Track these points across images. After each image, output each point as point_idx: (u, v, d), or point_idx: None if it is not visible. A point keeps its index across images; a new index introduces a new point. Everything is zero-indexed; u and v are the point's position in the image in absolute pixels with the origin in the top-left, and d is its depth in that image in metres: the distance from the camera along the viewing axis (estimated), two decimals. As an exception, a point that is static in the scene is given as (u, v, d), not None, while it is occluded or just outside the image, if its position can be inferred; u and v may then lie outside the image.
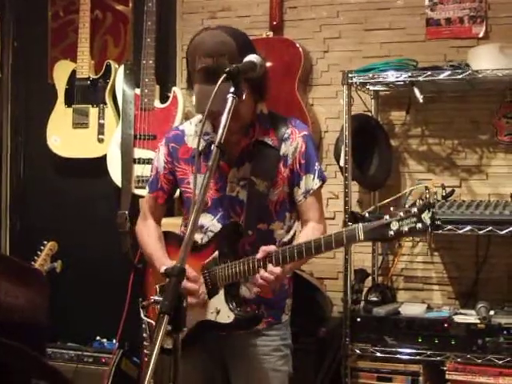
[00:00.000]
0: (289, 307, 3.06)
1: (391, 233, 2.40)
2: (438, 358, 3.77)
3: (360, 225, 2.48)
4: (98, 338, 4.89)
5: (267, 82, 2.85)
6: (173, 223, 3.38)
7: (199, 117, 3.04)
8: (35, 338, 1.61)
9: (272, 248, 2.70)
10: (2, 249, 5.33)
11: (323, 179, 2.95)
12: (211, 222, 2.92)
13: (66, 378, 1.79)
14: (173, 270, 2.02)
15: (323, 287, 4.44)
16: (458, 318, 3.84)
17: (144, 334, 3.13)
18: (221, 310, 2.79)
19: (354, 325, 3.92)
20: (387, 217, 2.41)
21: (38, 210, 5.25)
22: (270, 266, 2.67)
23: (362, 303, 4.09)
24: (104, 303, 4.78)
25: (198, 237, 2.94)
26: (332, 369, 4.08)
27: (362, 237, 2.48)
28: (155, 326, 1.95)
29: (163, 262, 2.90)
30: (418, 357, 3.81)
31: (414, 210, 2.37)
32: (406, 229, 2.38)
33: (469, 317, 3.83)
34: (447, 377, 3.76)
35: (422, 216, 2.34)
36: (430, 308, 4.18)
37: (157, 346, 1.89)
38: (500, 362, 3.65)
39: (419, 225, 2.35)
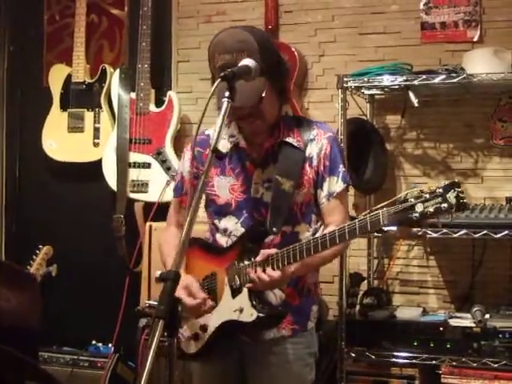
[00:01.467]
0: (315, 314, 3.00)
1: (416, 215, 2.33)
2: (434, 362, 3.77)
3: (384, 209, 2.42)
4: (93, 342, 4.88)
5: (290, 83, 2.84)
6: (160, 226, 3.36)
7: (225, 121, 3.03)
8: (27, 342, 1.61)
9: (273, 251, 2.70)
10: (-3, 253, 5.33)
11: (347, 182, 2.91)
12: (235, 226, 2.90)
13: (59, 381, 1.79)
14: (168, 275, 2.02)
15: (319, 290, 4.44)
16: (453, 322, 3.85)
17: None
18: (244, 309, 2.75)
19: (349, 328, 3.92)
20: (412, 199, 2.35)
21: (33, 214, 5.24)
22: (268, 270, 2.67)
23: (358, 307, 4.10)
24: (100, 307, 4.78)
25: (222, 240, 2.94)
26: (328, 372, 4.08)
27: (385, 221, 2.41)
28: (150, 331, 1.94)
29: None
30: (413, 360, 3.81)
31: (440, 190, 2.30)
32: (431, 210, 2.30)
33: (464, 320, 3.83)
34: (443, 380, 3.75)
35: (447, 196, 2.27)
36: (425, 312, 4.19)
37: (151, 351, 1.89)
38: (495, 366, 3.66)
39: (444, 204, 2.28)
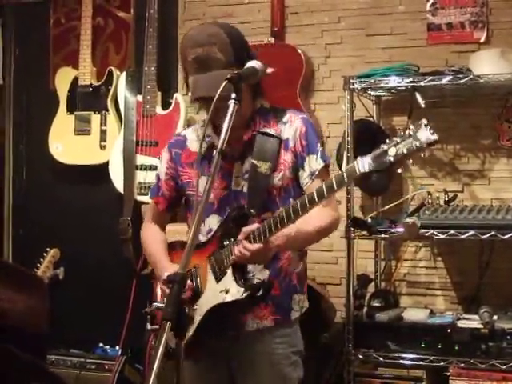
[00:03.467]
0: (298, 303, 2.97)
1: (390, 158, 2.33)
2: (442, 364, 3.76)
3: (358, 158, 2.41)
4: (100, 344, 4.89)
5: (262, 83, 2.86)
6: (174, 230, 3.37)
7: (200, 122, 3.04)
8: (35, 344, 1.61)
9: (254, 226, 2.69)
10: (5, 256, 5.34)
11: (325, 160, 2.91)
12: (217, 225, 2.91)
13: (65, 383, 1.79)
14: (175, 277, 2.02)
15: (326, 293, 4.44)
16: (461, 323, 3.84)
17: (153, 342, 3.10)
18: (230, 289, 2.76)
19: (356, 330, 3.92)
20: (384, 146, 2.35)
21: (40, 217, 5.25)
22: (244, 242, 2.66)
23: (365, 309, 4.09)
24: (107, 310, 4.78)
25: (204, 239, 2.93)
26: (335, 374, 4.08)
27: (361, 168, 2.39)
28: (157, 334, 1.95)
29: (164, 265, 2.93)
30: (421, 362, 3.80)
31: (409, 131, 2.30)
32: (404, 150, 2.31)
33: (472, 322, 3.82)
34: (451, 382, 3.74)
35: (417, 135, 2.29)
36: (433, 313, 4.17)
37: (159, 353, 1.89)
38: (503, 367, 3.64)
39: (416, 143, 2.29)
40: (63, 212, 5.17)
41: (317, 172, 2.88)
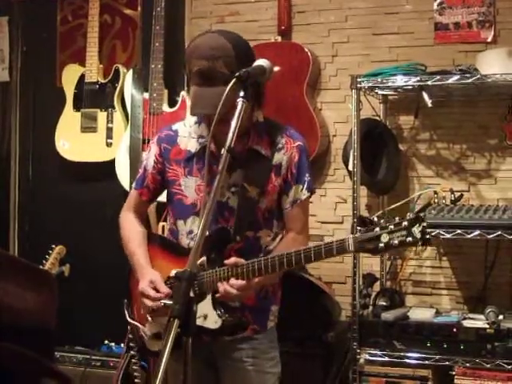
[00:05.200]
0: (274, 313, 3.06)
1: (381, 245, 2.41)
2: (447, 363, 3.76)
3: (350, 236, 2.50)
4: (106, 341, 4.89)
5: (265, 88, 2.85)
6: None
7: (194, 118, 3.03)
8: (43, 342, 1.61)
9: (240, 261, 2.72)
10: (11, 253, 5.33)
11: (311, 191, 2.98)
12: (197, 228, 2.91)
13: (73, 381, 1.78)
14: (183, 274, 2.02)
15: (331, 292, 4.43)
16: (466, 323, 3.84)
17: (130, 336, 3.11)
18: (208, 315, 2.78)
19: (362, 329, 3.92)
20: (378, 229, 2.42)
21: (46, 214, 5.26)
22: (233, 281, 2.70)
23: (371, 308, 4.09)
24: (112, 307, 4.76)
25: (185, 242, 2.96)
26: (340, 373, 4.07)
27: (351, 248, 2.50)
28: (165, 331, 1.95)
29: (143, 268, 2.95)
30: (426, 361, 3.80)
31: (405, 223, 2.37)
32: (395, 242, 2.38)
33: (478, 321, 3.82)
34: (456, 382, 3.74)
35: (413, 230, 2.35)
36: (438, 313, 4.18)
37: (167, 351, 1.89)
38: (509, 367, 3.64)
39: (409, 238, 2.36)
40: (69, 209, 5.18)
41: (298, 201, 2.95)
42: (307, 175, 2.95)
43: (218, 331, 2.80)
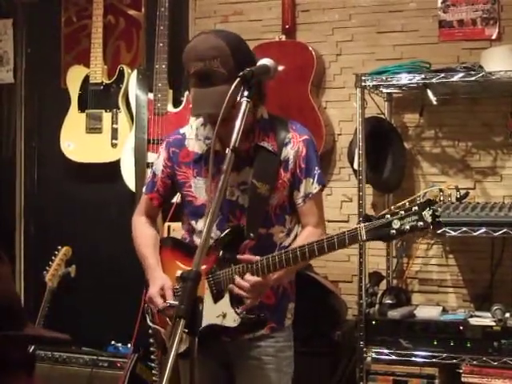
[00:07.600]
0: (291, 311, 3.07)
1: (393, 231, 2.44)
2: (454, 361, 3.76)
3: (362, 225, 2.51)
4: (112, 342, 4.89)
5: (266, 85, 2.85)
6: (179, 226, 3.38)
7: (200, 120, 3.04)
8: (13, 320, 1.60)
9: (255, 258, 2.74)
10: (17, 254, 5.35)
11: (322, 184, 2.97)
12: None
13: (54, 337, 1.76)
14: (189, 274, 2.02)
15: (338, 290, 4.43)
16: (473, 321, 3.83)
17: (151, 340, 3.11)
18: (227, 314, 2.80)
19: (369, 328, 3.92)
20: (389, 216, 2.44)
21: (51, 215, 5.26)
22: (249, 276, 2.71)
23: (377, 306, 4.08)
24: (118, 307, 4.78)
25: (197, 241, 2.95)
26: (347, 372, 4.08)
27: (364, 237, 2.51)
28: (171, 331, 1.95)
29: (154, 271, 2.96)
30: (433, 360, 3.80)
31: (415, 207, 2.39)
32: (407, 227, 2.40)
33: (484, 319, 3.81)
34: (463, 379, 3.74)
35: (423, 213, 2.36)
36: (445, 311, 4.17)
37: (173, 351, 1.89)
38: (516, 365, 3.64)
39: (420, 223, 2.38)
40: (74, 210, 5.18)
41: (310, 195, 2.95)
42: (316, 168, 2.94)
43: (238, 329, 2.81)
